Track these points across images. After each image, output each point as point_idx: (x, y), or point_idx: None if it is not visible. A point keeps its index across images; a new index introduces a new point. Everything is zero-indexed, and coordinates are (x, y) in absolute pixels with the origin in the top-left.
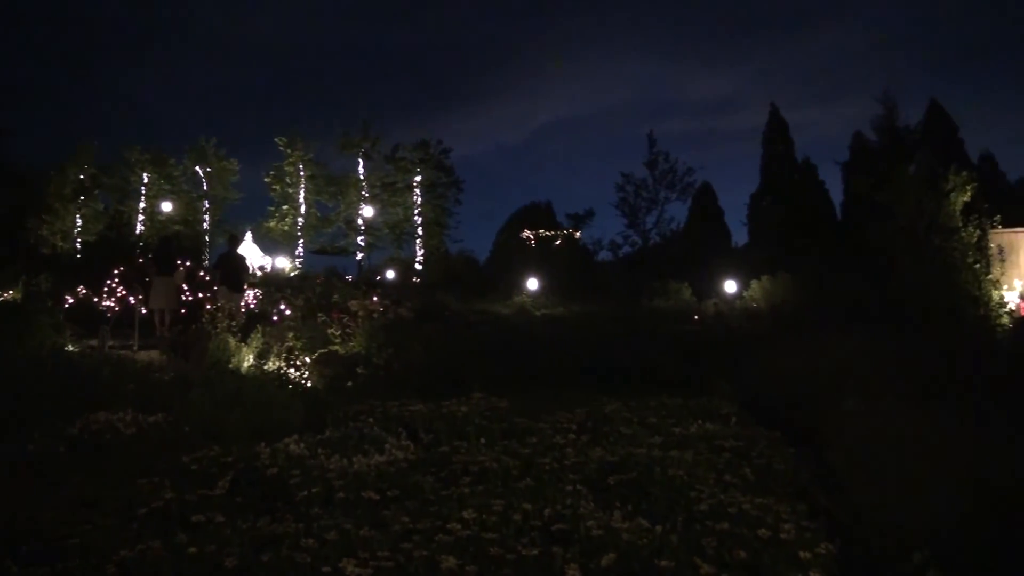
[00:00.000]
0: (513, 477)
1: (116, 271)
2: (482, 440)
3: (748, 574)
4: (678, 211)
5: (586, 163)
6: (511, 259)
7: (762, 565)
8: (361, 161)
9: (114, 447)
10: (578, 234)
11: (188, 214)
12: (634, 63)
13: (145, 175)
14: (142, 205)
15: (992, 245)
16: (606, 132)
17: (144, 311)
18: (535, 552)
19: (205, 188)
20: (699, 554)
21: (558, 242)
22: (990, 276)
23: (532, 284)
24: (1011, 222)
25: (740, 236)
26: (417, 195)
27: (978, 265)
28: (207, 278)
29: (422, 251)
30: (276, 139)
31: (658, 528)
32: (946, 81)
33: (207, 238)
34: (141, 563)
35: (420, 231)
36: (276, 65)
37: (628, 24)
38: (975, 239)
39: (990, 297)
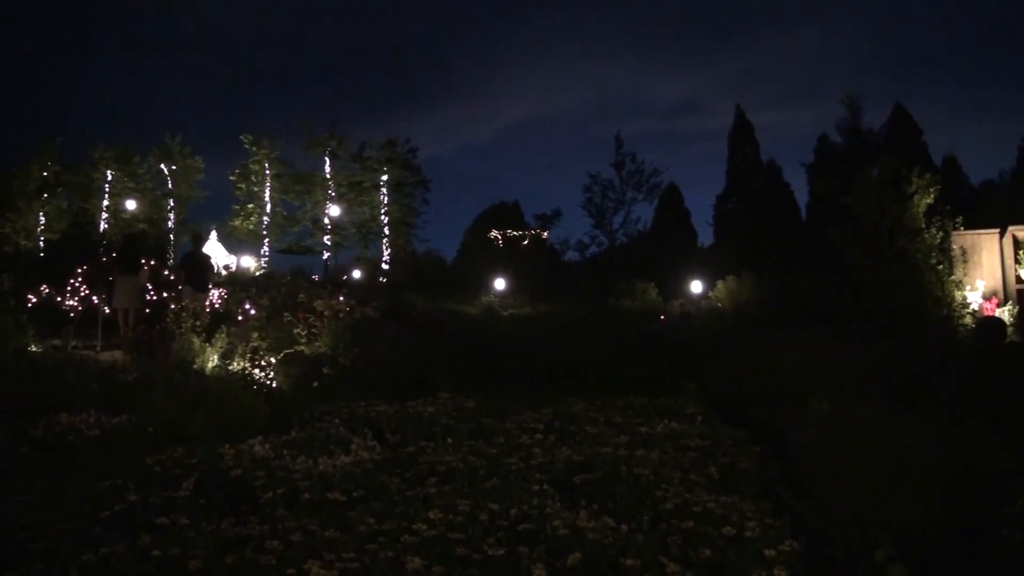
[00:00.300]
0: (480, 477)
1: (80, 270)
2: (449, 440)
3: (713, 572)
4: (644, 212)
5: (553, 164)
6: (478, 259)
7: (727, 563)
8: (328, 160)
9: (77, 449)
10: (545, 234)
11: (153, 212)
12: (601, 64)
13: (109, 172)
14: (106, 203)
15: (955, 247)
16: (573, 133)
17: (108, 310)
18: (501, 552)
19: (170, 186)
20: (664, 553)
21: (525, 242)
22: (953, 277)
23: (499, 284)
24: (973, 224)
25: (706, 237)
26: (384, 194)
27: (941, 266)
28: (171, 277)
29: (389, 251)
30: (242, 137)
31: (624, 527)
32: (910, 85)
33: (172, 237)
34: (105, 567)
35: (387, 231)
36: (241, 62)
37: (595, 25)
38: (938, 241)
39: (953, 298)
